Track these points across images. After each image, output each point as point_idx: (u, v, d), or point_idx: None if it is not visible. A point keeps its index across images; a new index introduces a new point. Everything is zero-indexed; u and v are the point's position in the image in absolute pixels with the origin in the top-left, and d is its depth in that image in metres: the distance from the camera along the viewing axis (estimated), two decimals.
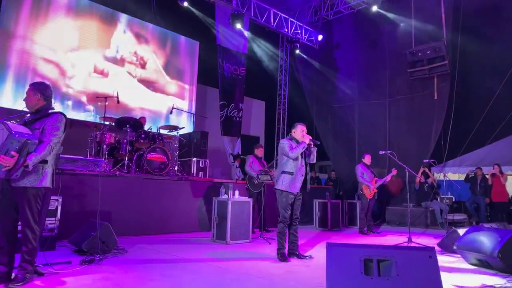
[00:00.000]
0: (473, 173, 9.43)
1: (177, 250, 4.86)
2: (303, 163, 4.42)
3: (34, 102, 3.10)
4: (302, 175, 4.38)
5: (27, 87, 3.18)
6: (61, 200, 4.55)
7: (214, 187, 7.28)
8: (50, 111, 3.11)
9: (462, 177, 11.45)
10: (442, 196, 10.00)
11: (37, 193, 2.98)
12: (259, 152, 7.17)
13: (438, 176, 10.25)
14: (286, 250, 4.41)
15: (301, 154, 4.41)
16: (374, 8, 10.26)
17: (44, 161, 3.00)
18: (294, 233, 4.49)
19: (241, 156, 11.80)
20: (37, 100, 3.10)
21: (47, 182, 3.04)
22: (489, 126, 10.62)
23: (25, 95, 3.15)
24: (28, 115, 3.22)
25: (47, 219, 4.24)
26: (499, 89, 9.88)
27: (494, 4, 9.20)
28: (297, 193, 4.40)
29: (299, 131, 4.47)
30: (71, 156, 4.34)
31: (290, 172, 4.34)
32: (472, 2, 9.08)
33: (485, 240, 3.96)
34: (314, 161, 4.56)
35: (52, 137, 2.98)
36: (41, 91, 3.12)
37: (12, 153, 2.72)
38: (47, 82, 3.27)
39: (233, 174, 11.55)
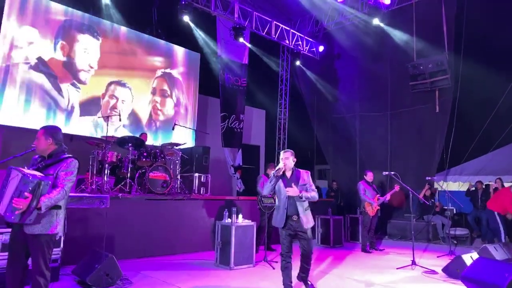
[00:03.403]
0: (473, 187, 9.43)
1: (181, 278, 4.83)
2: (287, 196, 3.99)
3: (46, 146, 3.07)
4: (285, 209, 3.99)
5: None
6: (66, 229, 4.51)
7: (216, 204, 7.25)
8: (62, 156, 3.08)
9: (462, 186, 11.51)
10: (444, 207, 9.94)
11: (50, 240, 2.96)
12: (271, 171, 7.09)
13: (441, 185, 10.25)
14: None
15: (284, 185, 4.02)
16: (375, 21, 10.22)
17: (58, 207, 2.98)
18: (305, 266, 4.24)
19: (243, 166, 11.80)
20: (49, 144, 3.07)
21: (60, 229, 3.02)
22: (489, 137, 10.68)
23: (35, 139, 3.11)
24: (37, 156, 3.19)
25: None
26: (500, 102, 9.92)
27: (496, 20, 9.20)
28: (289, 228, 4.00)
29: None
30: (77, 194, 4.30)
31: (278, 206, 4.14)
32: (474, 16, 9.06)
33: (492, 274, 3.94)
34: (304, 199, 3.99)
35: (66, 182, 2.98)
36: (53, 135, 3.09)
37: (26, 194, 2.71)
38: (58, 126, 3.24)
39: (234, 185, 11.53)
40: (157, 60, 10.33)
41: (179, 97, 10.77)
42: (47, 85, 8.27)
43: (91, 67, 8.98)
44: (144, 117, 9.92)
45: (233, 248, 5.39)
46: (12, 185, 2.77)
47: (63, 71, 8.56)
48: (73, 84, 8.69)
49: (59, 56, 8.51)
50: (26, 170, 2.85)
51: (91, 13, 9.06)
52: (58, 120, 8.36)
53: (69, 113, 8.60)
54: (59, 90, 8.45)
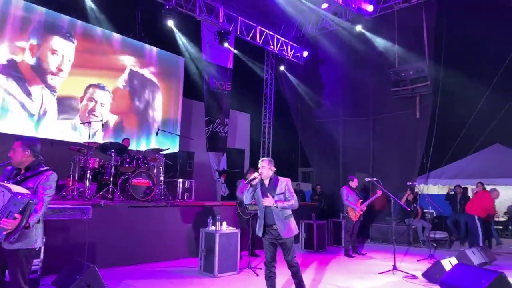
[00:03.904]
0: (453, 191, 9.67)
1: (164, 287, 4.80)
2: (264, 205, 3.97)
3: (23, 159, 2.99)
4: (263, 218, 3.99)
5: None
6: (44, 240, 4.41)
7: (200, 210, 7.23)
8: (41, 168, 3.01)
9: (442, 189, 11.81)
10: (424, 210, 10.14)
11: (29, 254, 2.91)
12: (250, 176, 7.10)
13: (421, 188, 10.50)
14: None
15: (261, 194, 4.01)
16: (358, 28, 10.39)
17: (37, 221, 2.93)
18: (293, 278, 4.11)
19: (227, 170, 11.78)
20: (26, 157, 2.99)
21: (40, 242, 2.97)
22: (467, 142, 11.02)
23: (11, 150, 3.02)
24: (10, 168, 3.11)
25: None
26: (478, 108, 10.23)
27: (474, 29, 9.50)
28: (270, 237, 3.98)
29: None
30: (57, 206, 4.22)
31: (258, 215, 4.12)
32: (454, 25, 9.33)
33: (470, 281, 4.06)
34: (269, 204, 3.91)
35: (45, 196, 2.93)
36: (31, 147, 3.01)
37: (16, 215, 2.68)
38: (36, 137, 3.17)
39: (218, 190, 11.50)
40: (137, 63, 10.20)
41: (150, 100, 10.53)
42: (18, 88, 8.02)
43: (61, 70, 8.71)
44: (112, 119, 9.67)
45: (217, 256, 5.38)
46: None
47: (33, 74, 8.29)
48: (48, 87, 8.48)
49: (30, 58, 8.23)
50: (13, 188, 2.75)
51: (73, 16, 8.90)
52: (31, 124, 8.17)
53: (43, 116, 8.37)
54: (29, 94, 8.19)
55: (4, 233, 2.67)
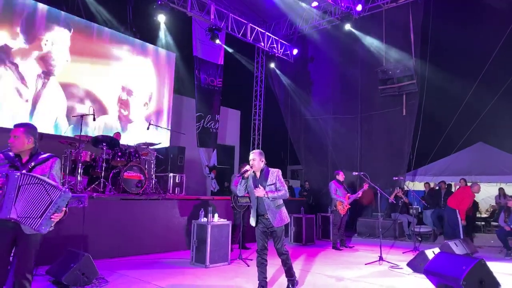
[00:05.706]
0: (437, 187, 9.94)
1: (157, 277, 4.89)
2: (256, 196, 4.11)
3: (25, 145, 2.98)
4: (255, 208, 4.15)
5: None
6: None
7: (191, 204, 7.32)
8: (43, 155, 3.03)
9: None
10: (410, 206, 10.39)
11: (41, 239, 2.98)
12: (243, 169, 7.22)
13: (407, 185, 10.78)
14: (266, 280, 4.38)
15: (253, 185, 4.16)
16: (347, 27, 10.59)
17: None
18: (283, 265, 4.31)
19: (217, 166, 11.89)
20: (29, 144, 2.99)
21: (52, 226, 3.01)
22: (452, 140, 11.35)
23: (12, 137, 2.99)
24: (10, 154, 3.07)
25: None
26: (462, 106, 10.53)
27: (459, 29, 9.78)
28: (262, 226, 4.13)
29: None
30: None
31: (251, 205, 4.26)
32: (439, 25, 9.59)
33: (451, 267, 4.25)
34: (260, 195, 4.05)
35: (58, 183, 3.02)
36: (34, 134, 3.01)
37: (63, 208, 2.89)
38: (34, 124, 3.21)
39: (208, 185, 11.58)
40: (129, 58, 10.20)
41: (144, 95, 10.59)
42: (11, 78, 8.02)
43: (60, 62, 8.75)
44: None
45: (208, 247, 5.49)
46: (35, 194, 2.78)
47: (28, 64, 8.31)
48: (39, 76, 8.46)
49: (26, 46, 8.22)
50: (52, 182, 2.86)
51: (63, 9, 8.88)
52: (22, 116, 8.14)
53: (33, 109, 8.36)
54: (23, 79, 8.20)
55: (53, 225, 2.87)
